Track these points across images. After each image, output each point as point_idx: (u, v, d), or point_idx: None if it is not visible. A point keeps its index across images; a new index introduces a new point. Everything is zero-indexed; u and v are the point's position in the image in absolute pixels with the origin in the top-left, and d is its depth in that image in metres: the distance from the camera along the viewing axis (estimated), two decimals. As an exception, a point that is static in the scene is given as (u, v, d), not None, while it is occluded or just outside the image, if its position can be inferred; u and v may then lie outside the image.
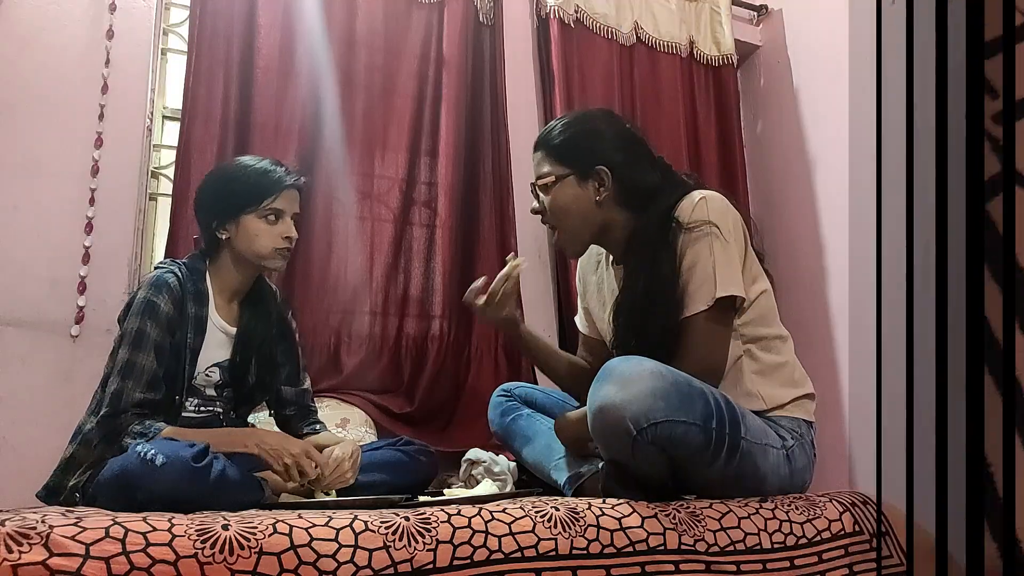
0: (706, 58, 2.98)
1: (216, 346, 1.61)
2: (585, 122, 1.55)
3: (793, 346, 1.52)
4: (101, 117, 2.10)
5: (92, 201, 2.04)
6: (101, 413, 1.45)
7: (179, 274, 1.57)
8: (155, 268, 1.63)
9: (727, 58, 2.98)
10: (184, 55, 2.23)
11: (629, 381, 1.20)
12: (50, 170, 2.02)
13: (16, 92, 2.02)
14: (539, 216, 1.55)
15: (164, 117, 2.32)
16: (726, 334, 1.39)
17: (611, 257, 1.60)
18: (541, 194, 1.52)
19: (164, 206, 2.22)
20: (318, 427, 1.76)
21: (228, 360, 1.63)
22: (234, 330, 1.64)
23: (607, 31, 2.79)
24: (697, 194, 1.43)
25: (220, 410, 1.64)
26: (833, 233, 2.75)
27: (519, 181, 2.53)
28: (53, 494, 1.49)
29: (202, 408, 1.61)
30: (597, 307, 1.64)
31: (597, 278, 1.66)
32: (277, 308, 1.74)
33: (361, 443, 1.85)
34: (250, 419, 1.78)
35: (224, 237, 1.61)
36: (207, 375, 1.60)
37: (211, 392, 1.62)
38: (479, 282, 1.58)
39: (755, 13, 3.15)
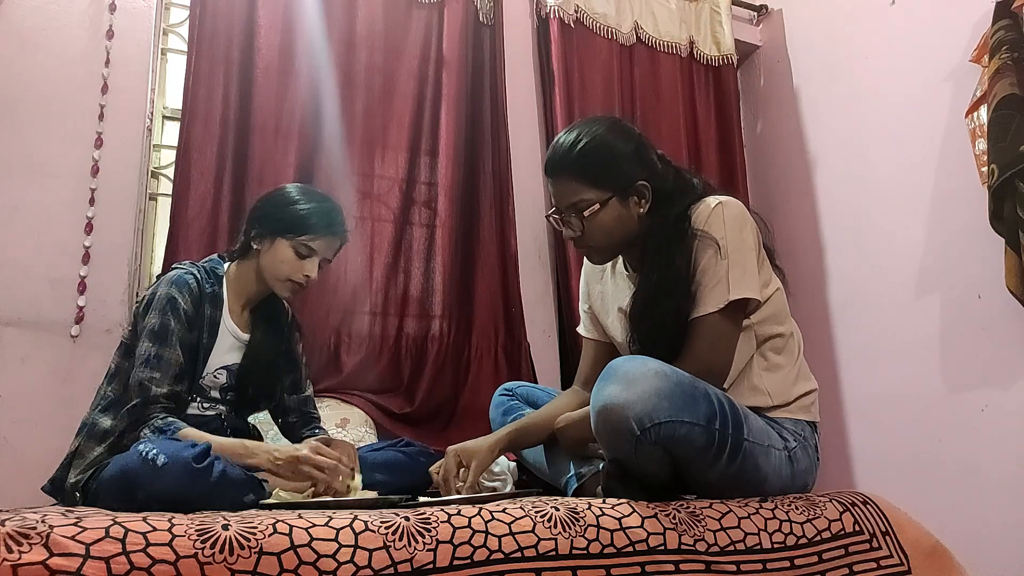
0: (706, 58, 2.98)
1: (226, 350, 1.65)
2: (604, 137, 1.43)
3: (802, 340, 1.52)
4: (101, 117, 2.10)
5: (92, 201, 2.05)
6: (131, 403, 1.47)
7: (198, 275, 1.62)
8: (173, 268, 1.66)
9: (727, 58, 2.98)
10: (184, 55, 2.23)
11: (633, 381, 1.20)
12: (50, 170, 2.02)
13: (16, 92, 2.02)
14: (549, 224, 1.50)
15: (164, 117, 2.32)
16: (734, 337, 1.38)
17: (619, 266, 1.58)
18: (584, 222, 1.43)
19: (164, 206, 2.23)
20: (317, 431, 1.77)
21: (236, 365, 1.67)
22: (246, 336, 1.68)
23: (607, 31, 2.79)
24: (713, 199, 1.42)
25: (223, 411, 1.66)
26: (833, 233, 2.75)
27: (519, 181, 2.53)
28: (59, 487, 1.51)
29: (206, 407, 1.63)
30: (603, 314, 1.63)
31: (602, 287, 1.64)
32: (288, 326, 1.78)
33: (362, 444, 1.86)
34: (249, 419, 1.78)
35: (255, 247, 1.65)
36: (215, 376, 1.64)
37: (215, 394, 1.65)
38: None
39: (755, 13, 3.15)
